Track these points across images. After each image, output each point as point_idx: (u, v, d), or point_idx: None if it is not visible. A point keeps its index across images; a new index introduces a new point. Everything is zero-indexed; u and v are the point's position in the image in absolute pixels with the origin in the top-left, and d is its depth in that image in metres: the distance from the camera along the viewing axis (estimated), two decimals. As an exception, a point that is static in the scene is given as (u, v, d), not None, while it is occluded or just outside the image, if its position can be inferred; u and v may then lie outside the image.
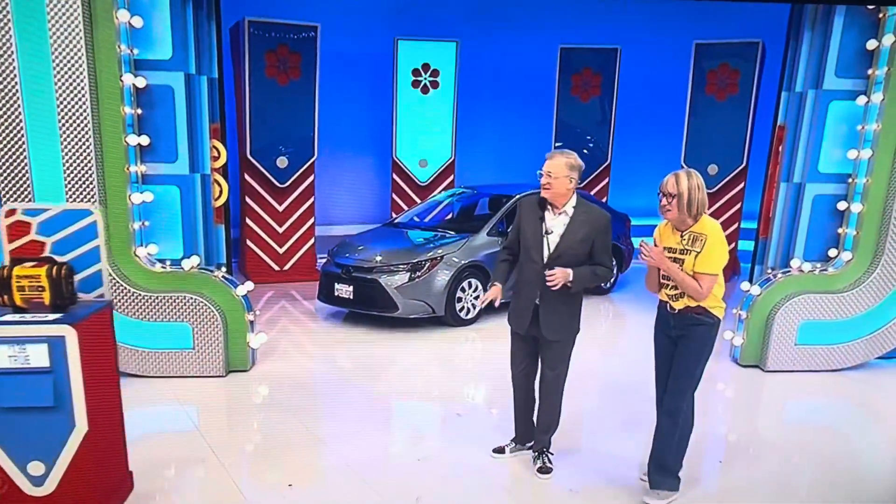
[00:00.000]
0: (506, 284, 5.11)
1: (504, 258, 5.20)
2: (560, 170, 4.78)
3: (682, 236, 4.53)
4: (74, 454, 4.10)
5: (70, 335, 3.91)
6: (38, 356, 3.89)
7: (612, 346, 8.82)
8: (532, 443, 5.37)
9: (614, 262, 10.98)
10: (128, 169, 6.72)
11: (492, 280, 5.23)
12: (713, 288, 4.49)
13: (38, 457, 4.08)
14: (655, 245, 4.64)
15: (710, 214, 12.58)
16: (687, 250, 4.48)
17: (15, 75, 6.17)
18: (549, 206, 4.92)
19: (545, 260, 4.86)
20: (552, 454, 5.25)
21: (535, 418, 5.34)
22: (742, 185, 12.22)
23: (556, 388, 5.11)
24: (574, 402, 6.55)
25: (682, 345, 4.62)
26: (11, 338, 3.87)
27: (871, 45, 7.21)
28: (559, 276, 4.72)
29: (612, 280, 11.12)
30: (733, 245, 12.40)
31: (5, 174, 6.32)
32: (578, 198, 4.92)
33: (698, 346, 4.59)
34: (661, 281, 4.67)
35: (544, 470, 5.17)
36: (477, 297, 9.11)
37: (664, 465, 4.75)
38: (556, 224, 4.89)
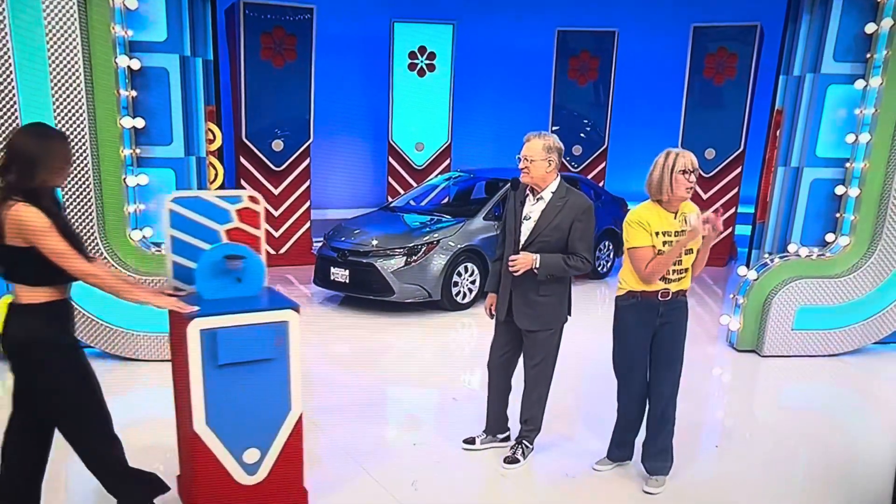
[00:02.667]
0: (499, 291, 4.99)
1: (497, 258, 5.05)
2: (537, 153, 4.63)
3: (675, 218, 4.44)
4: (286, 440, 4.12)
5: (293, 319, 3.97)
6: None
7: (608, 331, 8.77)
8: (504, 434, 5.28)
9: (611, 247, 11.04)
10: (122, 152, 6.68)
11: (487, 287, 5.17)
12: None
13: (255, 444, 4.05)
14: (652, 230, 4.45)
15: (709, 198, 12.48)
16: (685, 231, 4.37)
17: (9, 57, 6.12)
18: (530, 192, 4.79)
19: (519, 247, 4.74)
20: (529, 447, 5.11)
21: (508, 411, 5.26)
22: (739, 170, 12.21)
23: (537, 382, 4.95)
24: (570, 387, 6.57)
25: (670, 332, 4.58)
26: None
27: (870, 28, 7.17)
28: (521, 262, 4.61)
29: (609, 265, 11.14)
30: (731, 229, 12.42)
31: (-2, 157, 6.28)
32: (560, 183, 4.75)
33: (684, 327, 4.64)
34: None
35: (510, 459, 5.02)
36: (474, 282, 9.10)
37: (665, 449, 4.74)
38: (533, 210, 4.74)
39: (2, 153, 3.56)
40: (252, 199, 4.26)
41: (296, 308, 4.02)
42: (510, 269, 4.67)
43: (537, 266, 4.62)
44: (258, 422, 4.03)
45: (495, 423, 5.28)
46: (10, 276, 3.59)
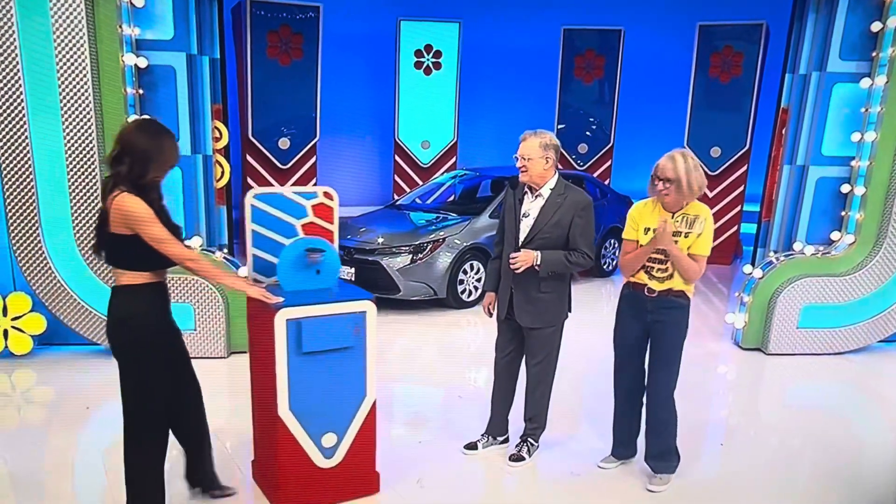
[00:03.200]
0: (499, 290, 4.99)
1: (495, 256, 5.05)
2: (534, 151, 4.64)
3: (674, 217, 4.42)
4: (361, 425, 4.37)
5: (370, 309, 4.25)
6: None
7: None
8: (504, 437, 5.26)
9: (616, 245, 11.04)
10: (129, 150, 6.70)
11: (485, 286, 5.16)
12: None
13: (333, 428, 4.28)
14: (640, 226, 4.52)
15: (714, 197, 12.46)
16: (681, 232, 4.39)
17: (16, 55, 6.15)
18: (528, 190, 4.79)
19: (519, 244, 4.74)
20: (535, 445, 5.13)
21: (510, 414, 5.25)
22: (745, 168, 12.20)
23: (540, 379, 4.96)
24: (575, 385, 6.57)
25: (661, 332, 4.56)
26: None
27: (876, 27, 7.17)
28: (521, 259, 4.61)
29: (614, 263, 11.14)
30: (736, 228, 12.41)
31: (7, 154, 6.30)
32: (559, 180, 4.75)
33: (680, 330, 4.57)
34: (646, 263, 4.53)
35: (515, 457, 5.03)
36: (479, 280, 9.11)
37: (668, 450, 4.76)
38: (532, 207, 4.75)
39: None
40: (327, 195, 4.54)
41: (372, 299, 4.27)
42: (511, 266, 4.68)
43: (538, 263, 4.62)
44: (336, 407, 4.27)
45: (498, 425, 5.25)
46: (112, 260, 3.77)
